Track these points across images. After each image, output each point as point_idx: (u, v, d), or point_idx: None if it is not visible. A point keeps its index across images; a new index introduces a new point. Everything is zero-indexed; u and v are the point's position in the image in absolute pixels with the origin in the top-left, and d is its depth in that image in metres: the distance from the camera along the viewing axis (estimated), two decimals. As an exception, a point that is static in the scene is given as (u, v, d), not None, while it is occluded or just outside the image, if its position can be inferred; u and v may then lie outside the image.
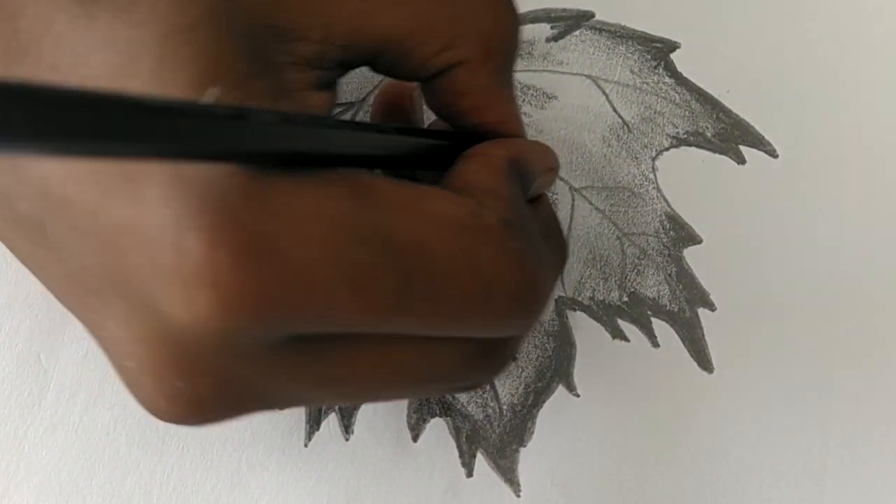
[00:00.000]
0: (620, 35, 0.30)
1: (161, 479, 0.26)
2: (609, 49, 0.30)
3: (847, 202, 0.29)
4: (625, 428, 0.27)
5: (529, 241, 0.18)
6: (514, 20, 0.21)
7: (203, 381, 0.16)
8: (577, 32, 0.30)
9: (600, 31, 0.30)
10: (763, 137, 0.29)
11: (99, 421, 0.26)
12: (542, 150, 0.22)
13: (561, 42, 0.30)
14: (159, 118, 0.12)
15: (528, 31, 0.30)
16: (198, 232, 0.14)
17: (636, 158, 0.29)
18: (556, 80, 0.29)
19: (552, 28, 0.30)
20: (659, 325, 0.28)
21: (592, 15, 0.30)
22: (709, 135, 0.29)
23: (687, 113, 0.29)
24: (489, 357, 0.19)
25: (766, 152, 0.29)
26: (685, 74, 0.29)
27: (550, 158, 0.23)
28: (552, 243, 0.22)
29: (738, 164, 0.29)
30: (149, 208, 0.15)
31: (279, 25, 0.17)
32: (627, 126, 0.29)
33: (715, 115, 0.29)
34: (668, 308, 0.28)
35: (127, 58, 0.15)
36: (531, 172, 0.21)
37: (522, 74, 0.29)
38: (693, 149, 0.29)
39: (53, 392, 0.26)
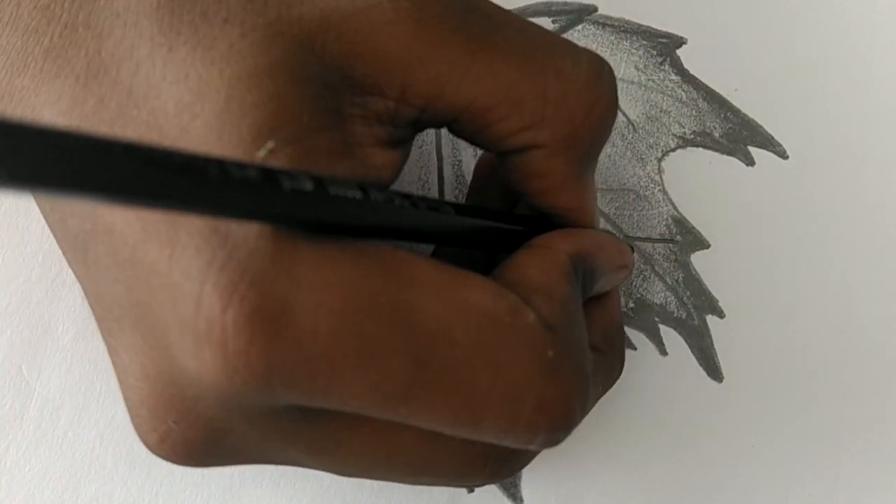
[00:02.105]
0: (624, 30, 0.29)
1: (150, 495, 0.25)
2: (612, 44, 0.29)
3: (860, 204, 0.28)
4: (632, 439, 0.26)
5: (571, 351, 0.17)
6: (611, 110, 0.19)
7: (195, 428, 0.17)
8: (579, 27, 0.29)
9: (603, 25, 0.29)
10: (773, 138, 0.28)
11: (84, 436, 0.25)
12: (616, 246, 0.21)
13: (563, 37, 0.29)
14: (186, 177, 0.12)
15: (530, 27, 0.29)
16: (217, 289, 0.14)
17: (641, 159, 0.28)
18: (559, 77, 0.28)
19: (553, 23, 0.29)
20: (666, 333, 0.27)
21: (595, 9, 0.29)
22: (716, 135, 0.28)
23: (694, 112, 0.28)
24: (497, 465, 0.18)
25: (775, 153, 0.28)
26: (692, 71, 0.29)
27: (623, 255, 0.21)
28: (609, 351, 0.21)
29: (747, 165, 0.28)
30: (181, 254, 0.15)
31: (356, 78, 0.16)
32: (632, 125, 0.28)
33: (723, 115, 0.28)
34: (675, 315, 0.27)
35: (196, 96, 0.15)
36: (598, 270, 0.20)
37: (524, 72, 0.28)
38: (700, 149, 0.28)
39: (36, 406, 0.25)
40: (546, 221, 0.20)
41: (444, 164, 0.27)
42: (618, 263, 0.21)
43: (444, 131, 0.27)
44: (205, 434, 0.17)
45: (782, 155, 0.28)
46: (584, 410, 0.17)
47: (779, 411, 0.26)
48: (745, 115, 0.28)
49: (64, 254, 0.19)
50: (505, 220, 0.20)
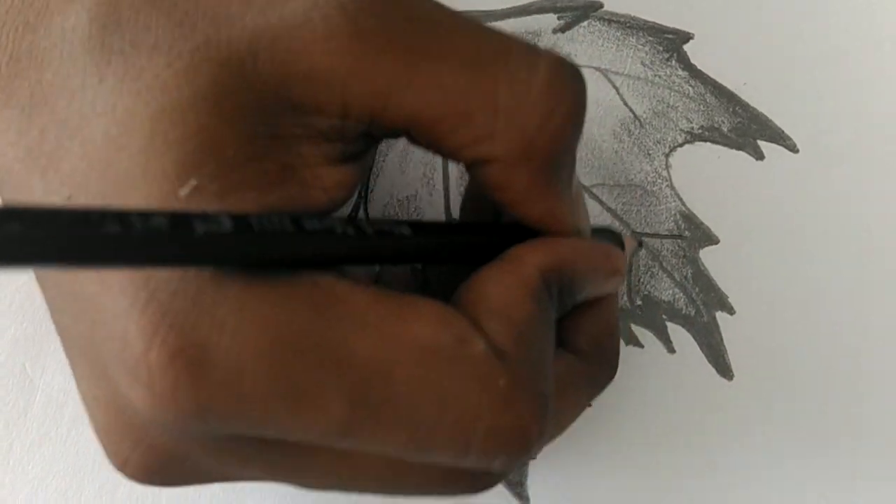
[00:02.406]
0: (630, 26, 0.29)
1: (153, 494, 0.25)
2: (619, 40, 0.29)
3: (871, 198, 0.27)
4: (639, 439, 0.26)
5: (526, 377, 0.16)
6: (574, 116, 0.17)
7: (150, 454, 0.17)
8: (584, 23, 0.29)
9: (609, 21, 0.29)
10: (782, 132, 0.28)
11: (88, 433, 0.25)
12: (601, 252, 0.20)
13: (568, 33, 0.29)
14: (81, 234, 0.12)
15: (534, 23, 0.29)
16: (139, 329, 0.14)
17: (649, 155, 0.28)
18: (565, 73, 0.28)
19: (559, 19, 0.29)
20: (675, 330, 0.26)
21: (601, 5, 0.29)
22: (725, 129, 0.28)
23: (701, 107, 0.28)
24: (470, 480, 0.18)
25: (785, 147, 0.28)
26: (699, 66, 0.28)
27: (612, 261, 0.20)
28: (599, 358, 0.21)
29: (756, 159, 0.28)
30: (107, 292, 0.15)
31: (292, 97, 0.16)
32: (639, 121, 0.28)
33: (731, 109, 0.28)
34: (684, 312, 0.27)
35: (122, 129, 0.15)
36: (579, 280, 0.19)
37: (529, 67, 0.28)
38: (708, 144, 0.28)
39: (40, 403, 0.25)
40: (525, 229, 0.19)
41: (448, 160, 0.27)
42: (605, 270, 0.20)
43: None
44: (160, 459, 0.17)
45: (792, 149, 0.28)
46: (544, 433, 0.17)
47: (790, 409, 0.26)
48: (754, 109, 0.28)
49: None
50: (474, 233, 0.19)
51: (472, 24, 0.17)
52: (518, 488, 0.25)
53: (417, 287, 0.24)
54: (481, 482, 0.18)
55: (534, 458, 0.25)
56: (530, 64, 0.17)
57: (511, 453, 0.16)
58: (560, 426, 0.21)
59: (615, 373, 0.22)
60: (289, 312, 0.15)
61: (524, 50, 0.17)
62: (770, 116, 0.28)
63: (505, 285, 0.17)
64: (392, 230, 0.16)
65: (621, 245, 0.23)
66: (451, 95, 0.16)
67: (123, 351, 0.15)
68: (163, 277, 0.14)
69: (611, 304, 0.21)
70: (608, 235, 0.23)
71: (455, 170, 0.27)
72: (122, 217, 0.12)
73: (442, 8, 0.17)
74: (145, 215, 0.13)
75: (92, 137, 0.15)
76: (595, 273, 0.20)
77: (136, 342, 0.14)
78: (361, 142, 0.17)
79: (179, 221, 0.13)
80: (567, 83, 0.17)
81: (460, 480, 0.18)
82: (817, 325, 0.26)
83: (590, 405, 0.26)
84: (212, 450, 0.16)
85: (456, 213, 0.27)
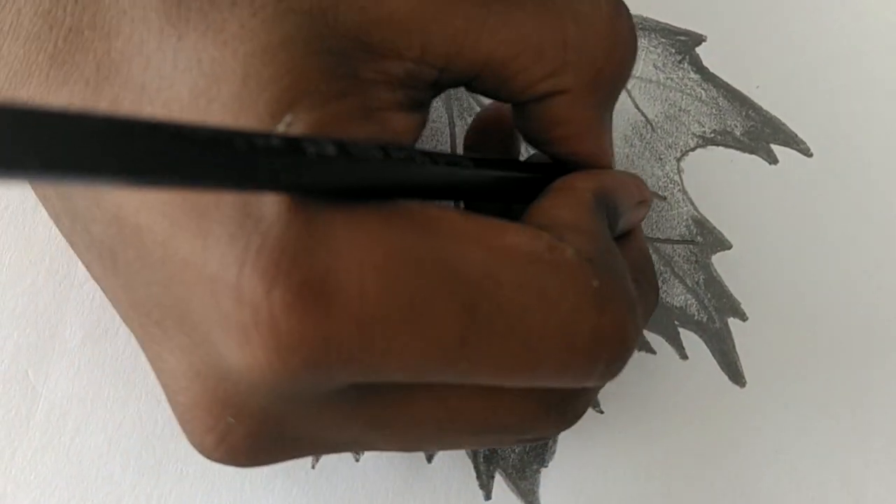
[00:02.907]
0: (642, 27, 0.28)
1: (159, 502, 0.24)
2: (630, 42, 0.28)
3: (886, 203, 0.27)
4: (652, 446, 0.25)
5: (615, 279, 0.17)
6: (631, 50, 0.19)
7: (254, 421, 0.16)
8: (595, 25, 0.28)
9: (621, 23, 0.28)
10: (796, 135, 0.28)
11: (91, 442, 0.25)
12: (634, 181, 0.21)
13: (580, 35, 0.28)
14: (212, 151, 0.12)
15: (546, 24, 0.28)
16: (257, 272, 0.14)
17: (660, 159, 0.27)
18: (576, 75, 0.28)
19: (570, 20, 0.28)
20: (687, 337, 0.26)
21: (612, 6, 0.28)
22: (738, 133, 0.28)
23: (714, 110, 0.28)
24: (562, 409, 0.18)
25: (799, 151, 0.28)
26: (712, 69, 0.28)
27: (643, 190, 0.22)
28: (643, 282, 0.21)
29: (770, 164, 0.27)
30: (214, 245, 0.15)
31: (373, 43, 0.16)
32: (651, 124, 0.28)
33: (744, 113, 0.28)
34: (696, 318, 0.26)
35: (210, 80, 0.15)
36: (621, 206, 0.20)
37: (540, 70, 0.28)
38: (721, 148, 0.28)
39: (43, 411, 0.25)
40: (561, 168, 0.20)
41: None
42: (637, 199, 0.21)
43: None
44: (265, 427, 0.16)
45: (806, 153, 0.28)
46: (637, 335, 0.18)
47: (804, 417, 0.26)
48: (767, 112, 0.28)
49: (90, 268, 0.19)
50: (522, 169, 0.20)
51: None
52: (530, 497, 0.25)
53: None
54: (571, 411, 0.19)
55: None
56: (592, 1, 0.18)
57: (612, 356, 0.17)
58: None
59: (658, 295, 0.23)
60: (396, 232, 0.15)
61: None
62: (783, 120, 0.28)
63: (569, 207, 0.18)
64: (459, 161, 0.17)
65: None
66: (525, 33, 0.17)
67: (238, 302, 0.14)
68: (272, 216, 0.14)
69: (640, 235, 0.23)
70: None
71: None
72: (246, 136, 0.12)
73: None
74: (265, 135, 0.13)
75: (176, 95, 0.15)
76: (632, 200, 0.21)
77: (255, 286, 0.14)
78: (429, 90, 0.18)
79: (293, 143, 0.13)
80: (624, 16, 0.19)
81: (555, 411, 0.18)
82: (831, 332, 0.26)
83: (601, 411, 0.25)
84: (316, 411, 0.16)
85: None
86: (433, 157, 0.16)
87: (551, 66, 0.18)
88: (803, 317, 0.26)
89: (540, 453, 0.25)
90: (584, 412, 0.19)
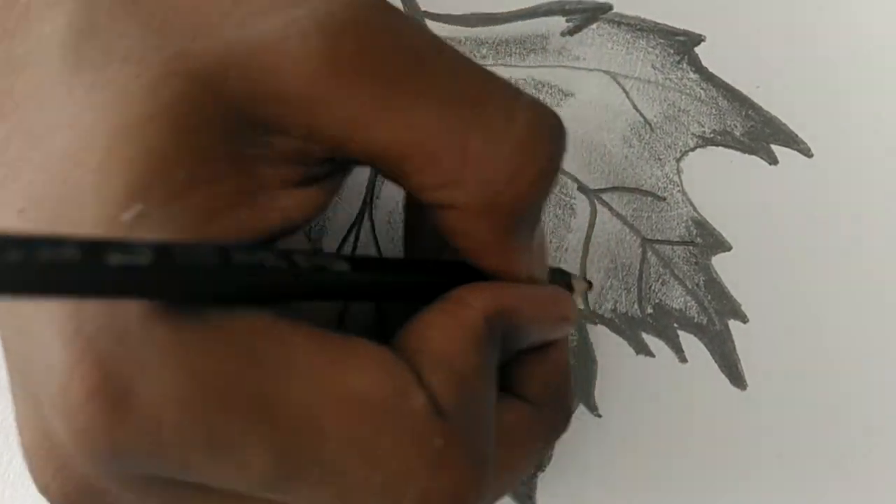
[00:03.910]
0: (641, 28, 0.28)
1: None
2: (629, 43, 0.28)
3: (887, 204, 0.27)
4: (650, 450, 0.25)
5: (464, 437, 0.16)
6: (544, 176, 0.17)
7: (71, 484, 0.16)
8: (594, 26, 0.28)
9: (619, 23, 0.28)
10: (796, 136, 0.27)
11: (88, 446, 0.25)
12: (552, 297, 0.20)
13: (577, 36, 0.28)
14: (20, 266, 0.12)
15: (542, 25, 0.28)
16: (64, 359, 0.14)
17: (659, 160, 0.27)
18: (573, 76, 0.28)
19: (567, 21, 0.28)
20: (687, 339, 0.26)
21: (610, 7, 0.28)
22: (737, 133, 0.27)
23: (713, 110, 0.27)
24: None
25: (799, 151, 0.27)
26: (711, 69, 0.28)
27: (560, 307, 0.20)
28: (550, 404, 0.20)
29: (770, 164, 0.27)
30: (42, 314, 0.14)
31: (258, 117, 0.15)
32: (650, 125, 0.27)
33: (744, 113, 0.27)
34: (696, 320, 0.26)
35: (83, 144, 0.15)
36: (524, 326, 0.18)
37: (536, 70, 0.28)
38: (721, 149, 0.27)
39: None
40: (471, 271, 0.18)
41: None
42: (554, 316, 0.19)
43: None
44: (80, 490, 0.16)
45: (806, 153, 0.27)
46: (482, 496, 0.16)
47: (805, 420, 0.25)
48: (767, 112, 0.27)
49: None
50: (416, 272, 0.18)
51: (455, 61, 0.17)
52: (527, 502, 0.25)
53: (377, 320, 0.24)
54: None
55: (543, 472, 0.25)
56: (508, 114, 0.16)
57: None
58: (515, 476, 0.20)
59: (570, 418, 0.21)
60: (216, 358, 0.14)
61: (504, 97, 0.17)
62: (784, 120, 0.27)
63: (449, 331, 0.16)
64: (329, 265, 0.16)
65: (570, 288, 0.22)
66: (422, 136, 0.16)
67: (49, 378, 0.14)
68: (92, 310, 0.14)
69: (561, 349, 0.21)
70: (557, 274, 0.22)
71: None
72: (26, 244, 0.12)
73: (427, 38, 0.16)
74: (55, 243, 0.12)
75: (54, 150, 0.15)
76: (542, 319, 0.19)
77: (61, 372, 0.14)
78: (325, 166, 0.17)
79: (92, 251, 0.13)
80: (543, 140, 0.17)
81: None
82: (832, 334, 0.26)
83: (599, 415, 0.25)
84: (134, 488, 0.16)
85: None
86: (293, 260, 0.15)
87: (445, 177, 0.16)
88: (804, 318, 0.26)
89: (537, 458, 0.25)
90: None
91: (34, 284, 0.12)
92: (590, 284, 0.23)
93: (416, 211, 0.21)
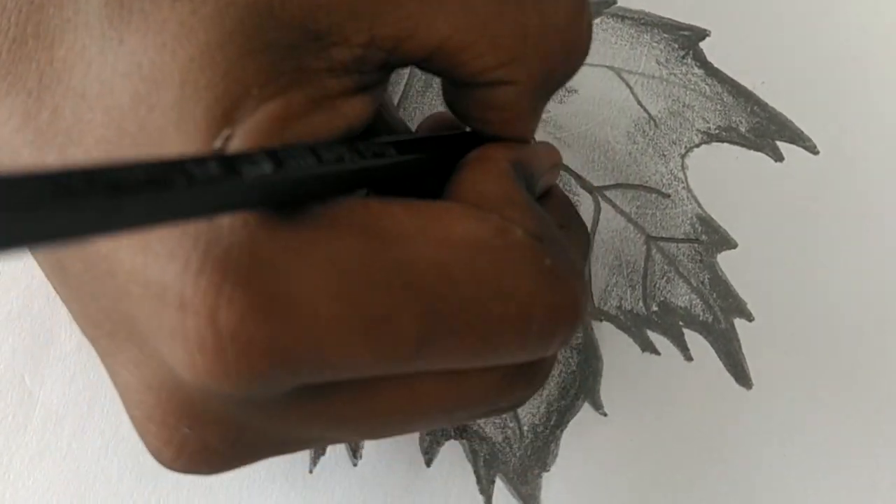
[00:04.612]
0: (645, 23, 0.28)
1: (156, 508, 0.24)
2: (633, 38, 0.28)
3: (893, 201, 0.27)
4: (656, 449, 0.25)
5: (562, 254, 0.17)
6: (585, 50, 0.19)
7: (212, 429, 0.16)
8: (597, 20, 0.28)
9: (623, 18, 0.28)
10: (802, 132, 0.27)
11: (89, 447, 0.24)
12: (544, 148, 0.21)
13: (581, 31, 0.28)
14: (149, 197, 0.11)
15: (546, 20, 0.28)
16: (199, 294, 0.14)
17: (664, 156, 0.27)
18: (577, 72, 0.27)
19: (571, 16, 0.28)
20: (692, 337, 0.26)
21: (614, 1, 0.28)
22: (743, 130, 0.27)
23: (718, 106, 0.27)
24: (527, 376, 0.18)
25: (805, 148, 0.27)
26: (716, 64, 0.28)
27: (553, 154, 0.22)
28: (573, 226, 0.22)
29: (775, 161, 0.27)
30: (154, 262, 0.14)
31: (319, 30, 0.16)
32: (654, 121, 0.27)
33: (749, 109, 0.27)
34: (701, 318, 0.26)
35: (151, 85, 0.15)
36: (535, 173, 0.20)
37: (540, 67, 0.27)
38: (726, 145, 0.27)
39: (39, 416, 0.25)
40: (475, 137, 0.19)
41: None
42: (551, 162, 0.21)
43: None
44: (222, 433, 0.16)
45: (812, 150, 0.27)
46: (587, 298, 0.17)
47: (811, 419, 0.25)
48: (772, 108, 0.27)
49: (49, 279, 0.19)
50: (440, 145, 0.19)
51: None
52: (532, 501, 0.24)
53: None
54: (537, 378, 0.19)
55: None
56: None
57: (567, 327, 0.17)
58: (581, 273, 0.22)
59: (589, 234, 0.23)
60: (342, 243, 0.15)
61: None
62: (789, 116, 0.27)
63: (492, 180, 0.17)
64: (384, 152, 0.17)
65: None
66: (484, 20, 0.17)
67: (182, 322, 0.14)
68: (213, 234, 0.14)
69: (558, 187, 0.23)
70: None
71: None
72: (183, 168, 0.12)
73: None
74: (202, 161, 0.12)
75: (118, 102, 0.15)
76: (545, 165, 0.21)
77: (199, 308, 0.14)
78: (379, 72, 0.17)
79: (228, 167, 0.13)
80: (586, 16, 0.18)
81: (521, 379, 0.18)
82: (839, 332, 0.26)
83: (605, 414, 0.25)
84: (276, 413, 0.16)
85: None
86: (361, 151, 0.16)
87: (507, 56, 0.17)
88: (810, 316, 0.26)
89: (541, 457, 0.25)
90: (549, 372, 0.19)
91: (193, 206, 0.12)
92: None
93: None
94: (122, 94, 0.15)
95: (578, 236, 0.22)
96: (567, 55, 0.18)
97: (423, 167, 0.19)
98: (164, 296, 0.14)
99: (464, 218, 0.16)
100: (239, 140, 0.15)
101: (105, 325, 0.16)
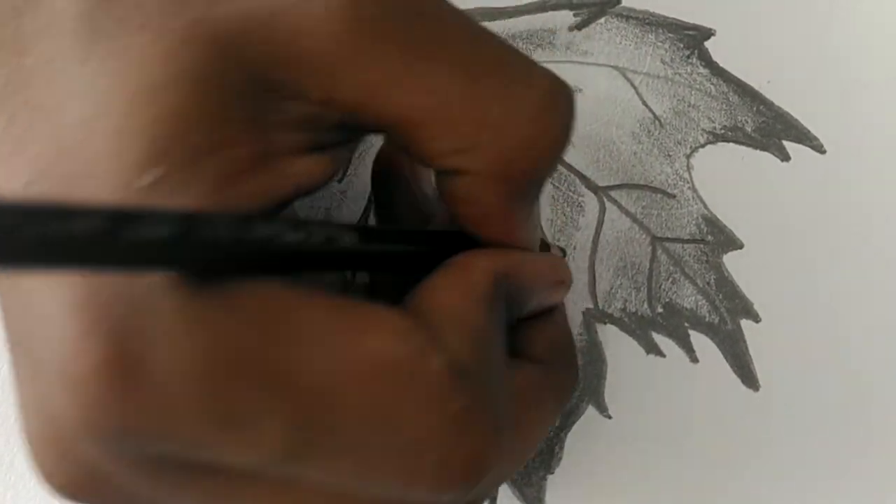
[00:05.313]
0: (649, 22, 0.28)
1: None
2: (637, 38, 0.28)
3: (902, 201, 0.26)
4: (661, 453, 0.25)
5: (483, 397, 0.16)
6: (557, 147, 0.17)
7: (77, 467, 0.15)
8: (602, 20, 0.28)
9: (627, 18, 0.28)
10: (808, 131, 0.27)
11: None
12: (548, 263, 0.20)
13: (585, 31, 0.28)
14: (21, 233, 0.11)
15: (550, 20, 0.28)
16: (74, 330, 0.13)
17: (669, 156, 0.27)
18: (581, 71, 0.27)
19: (575, 16, 0.28)
20: (698, 339, 0.25)
21: (619, 1, 0.28)
22: (748, 129, 0.27)
23: (724, 106, 0.27)
24: None
25: (811, 148, 0.27)
26: (721, 64, 0.27)
27: (558, 272, 0.20)
28: (558, 361, 0.20)
29: (782, 160, 0.27)
30: (50, 285, 0.14)
31: (277, 81, 0.15)
32: (659, 121, 0.27)
33: (755, 108, 0.27)
34: (707, 320, 0.26)
35: (98, 110, 0.14)
36: (528, 289, 0.18)
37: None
38: (731, 145, 0.27)
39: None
40: (468, 240, 0.18)
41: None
42: (551, 280, 0.20)
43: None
44: (86, 477, 0.15)
45: (819, 149, 0.27)
46: (500, 461, 0.16)
47: (819, 422, 0.25)
48: (778, 107, 0.27)
49: None
50: (421, 242, 0.18)
51: (475, 28, 0.17)
52: (536, 503, 0.24)
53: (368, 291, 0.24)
54: None
55: (551, 474, 0.24)
56: (526, 82, 0.16)
57: (462, 485, 0.15)
58: (530, 440, 0.20)
59: (578, 375, 0.21)
60: (232, 329, 0.14)
61: (525, 66, 0.17)
62: (795, 116, 0.27)
63: (458, 292, 0.16)
64: (340, 236, 0.16)
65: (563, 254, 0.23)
66: (441, 101, 0.16)
67: (56, 352, 0.14)
68: (101, 279, 0.14)
69: (562, 312, 0.21)
70: (544, 246, 0.23)
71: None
72: (61, 213, 0.12)
73: (447, 5, 0.16)
74: (86, 213, 0.12)
75: (66, 121, 0.15)
76: (541, 282, 0.19)
77: (69, 344, 0.13)
78: (336, 133, 0.17)
79: (117, 220, 0.12)
80: (559, 109, 0.17)
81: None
82: (846, 333, 0.25)
83: (609, 416, 0.25)
84: (142, 471, 0.15)
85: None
86: (309, 230, 0.15)
87: (462, 143, 0.16)
88: (818, 317, 0.26)
89: (546, 460, 0.25)
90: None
91: (49, 257, 0.12)
92: (564, 252, 0.23)
93: (385, 184, 0.22)
94: (71, 113, 0.15)
95: (560, 377, 0.20)
96: (528, 150, 0.16)
97: (397, 263, 0.18)
98: (52, 322, 0.14)
99: (384, 331, 0.15)
100: (171, 188, 0.14)
101: (12, 335, 0.16)
